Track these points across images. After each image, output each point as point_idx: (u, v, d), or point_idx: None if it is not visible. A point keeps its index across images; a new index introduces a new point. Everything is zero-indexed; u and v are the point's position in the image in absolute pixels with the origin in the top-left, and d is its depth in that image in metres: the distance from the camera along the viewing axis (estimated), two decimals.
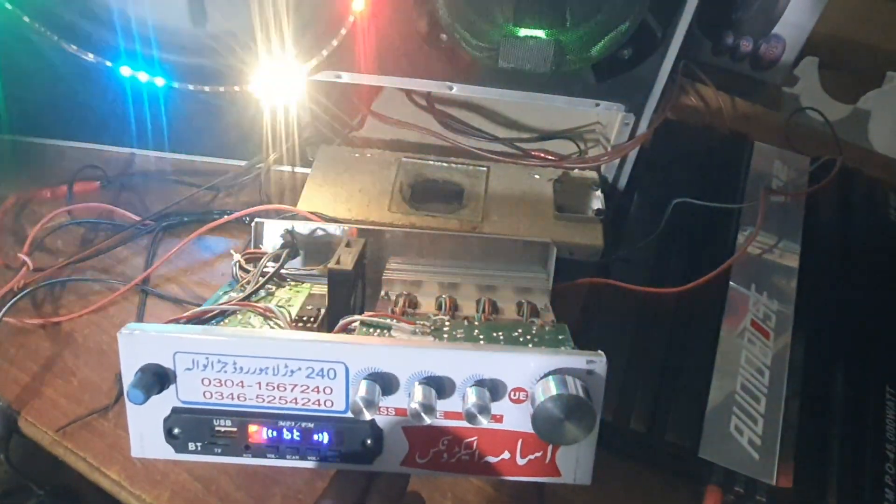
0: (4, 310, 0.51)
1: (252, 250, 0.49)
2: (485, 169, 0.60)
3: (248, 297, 0.42)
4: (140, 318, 0.54)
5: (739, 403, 0.47)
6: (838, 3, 0.72)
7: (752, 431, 0.46)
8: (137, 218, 0.59)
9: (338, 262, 0.42)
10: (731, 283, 0.53)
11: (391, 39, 0.51)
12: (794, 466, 0.44)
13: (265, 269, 0.46)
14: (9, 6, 0.50)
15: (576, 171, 0.60)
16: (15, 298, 0.52)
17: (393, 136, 0.64)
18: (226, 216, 0.55)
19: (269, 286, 0.46)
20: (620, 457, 0.49)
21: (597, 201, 0.58)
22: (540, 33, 0.46)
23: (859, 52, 0.84)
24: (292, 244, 0.49)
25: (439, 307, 0.44)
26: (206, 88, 0.55)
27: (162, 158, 0.64)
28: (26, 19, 0.51)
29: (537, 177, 0.60)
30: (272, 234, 0.50)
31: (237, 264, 0.47)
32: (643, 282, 0.53)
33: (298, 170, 0.63)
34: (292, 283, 0.47)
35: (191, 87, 0.55)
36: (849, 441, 0.46)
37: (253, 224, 0.49)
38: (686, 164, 0.61)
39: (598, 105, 0.53)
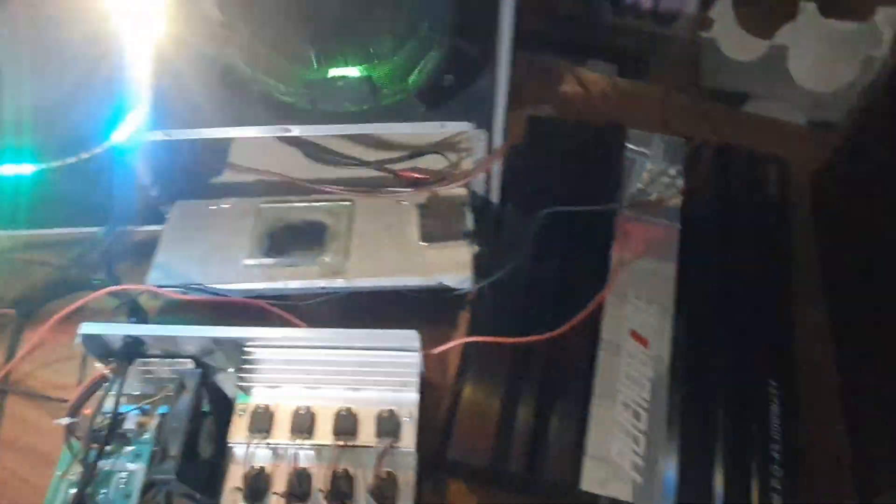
0: None
1: (79, 398, 0.45)
2: (349, 204, 0.57)
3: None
4: None
5: (621, 424, 0.45)
6: None
7: (634, 454, 0.44)
8: None
9: (162, 456, 0.40)
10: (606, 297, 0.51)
11: (211, 91, 0.47)
12: (677, 484, 0.43)
13: (93, 442, 0.43)
14: None
15: (443, 190, 0.57)
16: None
17: (255, 178, 0.60)
18: (74, 304, 0.51)
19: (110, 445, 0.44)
20: (508, 491, 0.47)
21: (468, 222, 0.55)
22: (351, 71, 0.43)
23: None
24: (127, 365, 0.45)
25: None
26: (36, 165, 0.51)
27: (10, 237, 0.60)
28: None
29: (406, 203, 0.57)
30: (112, 340, 0.46)
31: (69, 427, 0.43)
32: (519, 305, 0.51)
33: (153, 228, 0.59)
34: (135, 429, 0.45)
35: (15, 167, 0.51)
36: (734, 448, 0.45)
37: (79, 340, 0.45)
38: (558, 167, 0.58)
39: (443, 127, 0.50)
